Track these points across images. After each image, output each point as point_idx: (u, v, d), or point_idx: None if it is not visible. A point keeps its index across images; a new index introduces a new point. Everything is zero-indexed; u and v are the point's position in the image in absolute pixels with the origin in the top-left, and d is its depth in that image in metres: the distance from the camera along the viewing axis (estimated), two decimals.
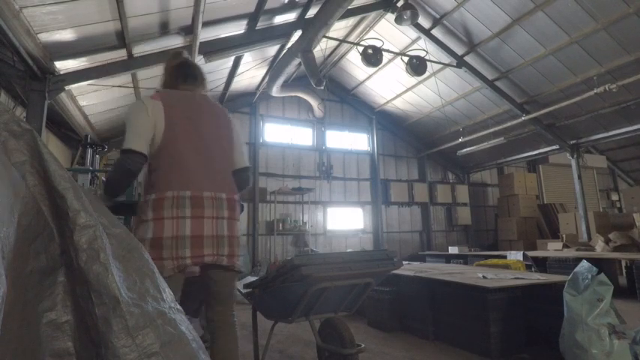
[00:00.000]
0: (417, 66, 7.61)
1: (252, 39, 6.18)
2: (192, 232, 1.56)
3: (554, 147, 9.51)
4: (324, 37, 6.44)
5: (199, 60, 5.58)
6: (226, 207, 1.69)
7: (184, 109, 1.71)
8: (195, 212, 1.59)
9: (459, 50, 8.05)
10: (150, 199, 1.59)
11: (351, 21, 7.92)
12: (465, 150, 9.81)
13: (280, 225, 9.22)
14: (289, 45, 6.86)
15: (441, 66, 8.41)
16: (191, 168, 1.64)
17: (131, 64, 5.19)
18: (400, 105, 10.51)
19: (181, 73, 1.85)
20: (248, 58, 7.32)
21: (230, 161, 1.82)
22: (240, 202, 1.84)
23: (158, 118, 1.62)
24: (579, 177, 8.96)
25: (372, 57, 7.20)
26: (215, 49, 5.82)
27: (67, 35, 4.23)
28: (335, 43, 8.52)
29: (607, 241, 7.10)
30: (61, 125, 6.46)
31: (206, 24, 5.19)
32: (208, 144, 1.72)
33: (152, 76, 6.11)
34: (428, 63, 7.73)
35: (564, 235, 8.60)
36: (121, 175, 1.60)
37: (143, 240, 1.54)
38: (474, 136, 9.35)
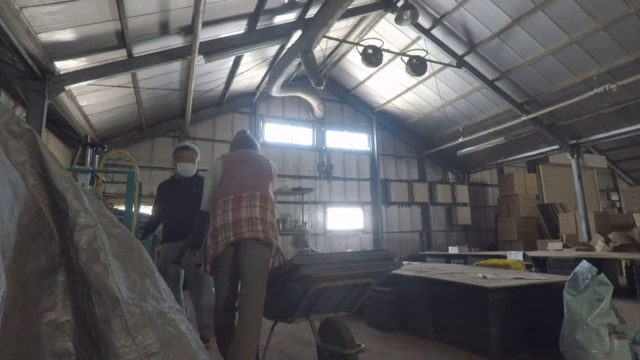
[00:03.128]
0: (417, 66, 7.61)
1: (252, 39, 6.18)
2: (233, 219, 2.19)
3: (554, 147, 9.51)
4: (324, 37, 6.44)
5: (199, 60, 5.58)
6: (259, 199, 2.28)
7: (238, 159, 2.51)
8: (234, 206, 2.23)
9: (459, 50, 8.05)
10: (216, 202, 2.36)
11: (351, 21, 7.92)
12: (464, 150, 9.81)
13: (280, 225, 9.21)
14: (289, 45, 6.86)
15: (441, 66, 8.40)
16: (235, 183, 2.34)
17: (131, 64, 5.19)
18: (400, 105, 10.51)
19: (245, 145, 2.72)
20: (248, 58, 7.32)
21: (266, 182, 2.43)
22: (273, 201, 2.42)
23: (218, 170, 2.46)
24: (579, 177, 8.96)
25: (372, 57, 7.20)
26: (215, 49, 5.82)
27: (67, 35, 4.23)
28: (335, 43, 8.52)
29: (607, 241, 7.10)
30: (61, 125, 6.46)
31: (206, 24, 5.19)
32: (249, 171, 2.43)
33: (152, 76, 6.12)
34: (428, 63, 7.73)
35: (564, 235, 8.60)
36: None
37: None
38: (474, 136, 9.35)
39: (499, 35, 7.23)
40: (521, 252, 6.90)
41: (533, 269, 6.27)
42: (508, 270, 4.61)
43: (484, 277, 3.55)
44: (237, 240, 2.16)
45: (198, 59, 5.47)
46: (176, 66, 6.12)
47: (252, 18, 5.93)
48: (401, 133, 11.65)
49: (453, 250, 9.59)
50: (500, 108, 9.07)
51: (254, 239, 2.16)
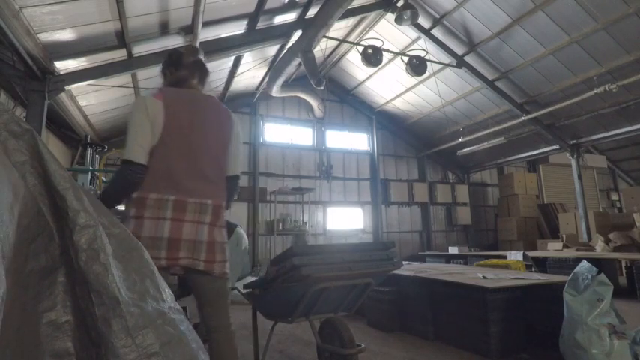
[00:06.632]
0: (417, 66, 7.61)
1: (252, 39, 6.18)
2: (170, 234, 1.56)
3: (554, 147, 9.51)
4: (324, 37, 6.44)
5: None
6: (210, 213, 1.67)
7: (187, 111, 1.69)
8: (175, 215, 1.59)
9: (459, 50, 8.05)
10: (133, 197, 1.58)
11: (351, 21, 7.92)
12: (465, 150, 9.81)
13: (280, 225, 9.21)
14: (289, 45, 6.86)
15: (441, 66, 8.40)
16: (181, 174, 1.63)
17: (131, 64, 5.19)
18: (400, 105, 10.51)
19: (198, 70, 1.82)
20: (248, 58, 7.31)
21: (224, 168, 1.79)
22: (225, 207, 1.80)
23: (157, 120, 1.60)
24: (579, 177, 8.96)
25: (372, 57, 7.20)
26: (215, 49, 5.82)
27: (67, 35, 4.23)
28: (335, 43, 8.52)
29: (607, 241, 7.10)
30: (61, 125, 6.46)
31: (206, 24, 5.19)
32: (203, 150, 1.70)
33: (152, 76, 6.11)
34: (428, 63, 7.73)
35: (564, 235, 8.60)
36: (122, 187, 1.59)
37: None
38: (474, 136, 9.35)
39: (499, 35, 7.23)
40: (521, 252, 6.90)
41: (533, 269, 6.27)
42: (508, 270, 4.61)
43: (484, 277, 3.55)
44: (170, 265, 1.57)
45: None
46: None
47: (252, 18, 5.93)
48: (401, 133, 11.65)
49: (453, 250, 9.59)
50: (500, 108, 9.08)
51: (192, 269, 1.62)
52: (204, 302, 1.70)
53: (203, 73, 1.84)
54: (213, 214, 1.68)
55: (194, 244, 1.60)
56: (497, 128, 8.98)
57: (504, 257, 6.69)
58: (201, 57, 1.86)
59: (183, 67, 1.78)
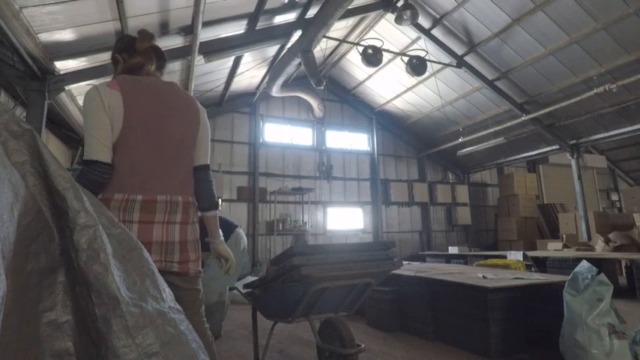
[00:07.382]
0: (416, 66, 7.61)
1: (252, 39, 6.18)
2: (139, 237, 1.42)
3: (554, 147, 9.52)
4: (324, 37, 6.44)
5: (199, 60, 5.57)
6: (181, 211, 1.57)
7: (149, 101, 1.56)
8: (143, 217, 1.48)
9: (459, 50, 8.05)
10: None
11: (351, 21, 7.92)
12: (465, 150, 9.82)
13: (280, 225, 9.22)
14: (289, 45, 6.86)
15: (441, 66, 8.41)
16: (147, 170, 1.51)
17: None
18: (400, 105, 10.51)
19: (155, 57, 1.68)
20: (248, 58, 7.32)
21: (192, 159, 1.67)
22: (195, 204, 1.69)
23: (116, 113, 1.47)
24: (579, 177, 8.96)
25: (372, 57, 7.20)
26: (215, 49, 5.82)
27: (67, 35, 4.23)
28: (335, 43, 8.52)
29: (607, 241, 7.10)
30: (61, 125, 6.46)
31: (206, 24, 5.19)
32: (170, 142, 1.57)
33: None
34: (428, 63, 7.73)
35: (564, 235, 8.60)
36: (89, 189, 1.38)
37: None
38: (474, 136, 9.35)
39: (499, 35, 7.23)
40: (521, 252, 6.90)
41: (533, 269, 6.27)
42: (508, 270, 4.62)
43: (484, 277, 3.56)
44: None
45: (198, 59, 5.46)
46: (176, 66, 6.12)
47: (252, 18, 5.93)
48: (401, 133, 11.65)
49: (452, 250, 9.59)
50: (500, 108, 9.08)
51: (166, 272, 1.50)
52: (182, 305, 1.61)
53: (161, 59, 1.72)
54: (184, 212, 1.58)
55: (166, 246, 1.51)
56: (497, 128, 8.98)
57: (504, 257, 6.69)
58: (155, 42, 1.74)
59: (137, 54, 1.67)
